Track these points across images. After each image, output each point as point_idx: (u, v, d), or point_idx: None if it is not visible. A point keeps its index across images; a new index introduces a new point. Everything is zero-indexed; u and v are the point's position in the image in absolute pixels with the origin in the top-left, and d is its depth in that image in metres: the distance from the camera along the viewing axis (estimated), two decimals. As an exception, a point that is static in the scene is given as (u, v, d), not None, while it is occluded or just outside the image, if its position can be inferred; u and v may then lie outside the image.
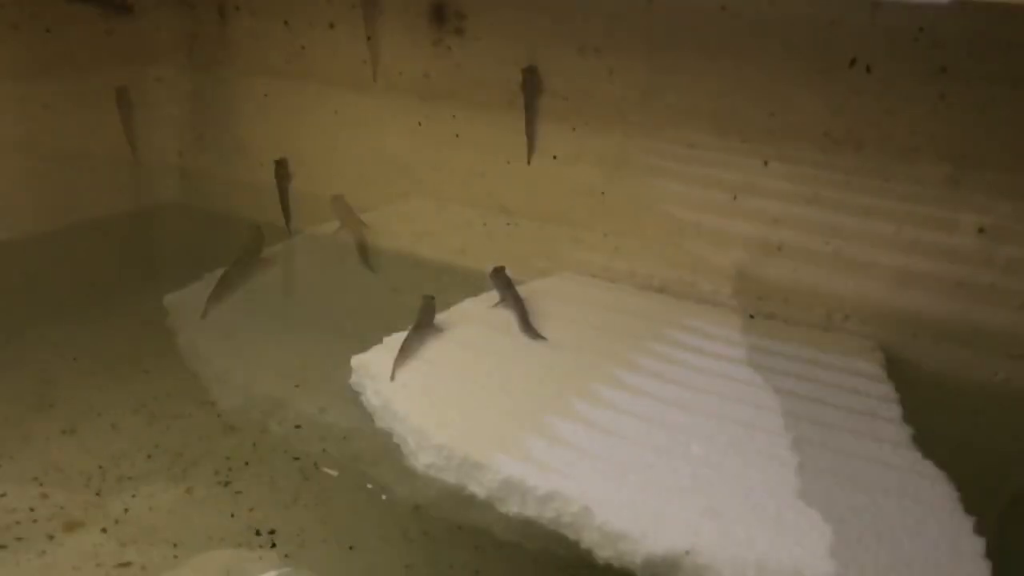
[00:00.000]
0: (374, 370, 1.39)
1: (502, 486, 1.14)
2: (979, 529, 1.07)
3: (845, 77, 1.53)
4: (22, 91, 2.04)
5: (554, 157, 1.85)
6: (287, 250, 2.28)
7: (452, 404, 1.30)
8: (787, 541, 1.04)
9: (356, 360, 1.44)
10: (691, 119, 1.69)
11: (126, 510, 1.23)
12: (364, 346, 1.47)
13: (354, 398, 1.42)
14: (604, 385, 1.37)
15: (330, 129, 2.14)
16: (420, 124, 2.00)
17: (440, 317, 1.58)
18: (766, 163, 1.64)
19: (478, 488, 1.17)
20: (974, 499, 1.13)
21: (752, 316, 1.68)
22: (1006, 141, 1.45)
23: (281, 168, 2.21)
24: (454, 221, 2.01)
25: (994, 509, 1.19)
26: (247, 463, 1.33)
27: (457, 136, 1.96)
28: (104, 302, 1.97)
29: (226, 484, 1.28)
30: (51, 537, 1.18)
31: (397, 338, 1.46)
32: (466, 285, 1.83)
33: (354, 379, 1.44)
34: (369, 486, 1.32)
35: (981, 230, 1.48)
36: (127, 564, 1.12)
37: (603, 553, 1.06)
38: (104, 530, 1.18)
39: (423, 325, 1.51)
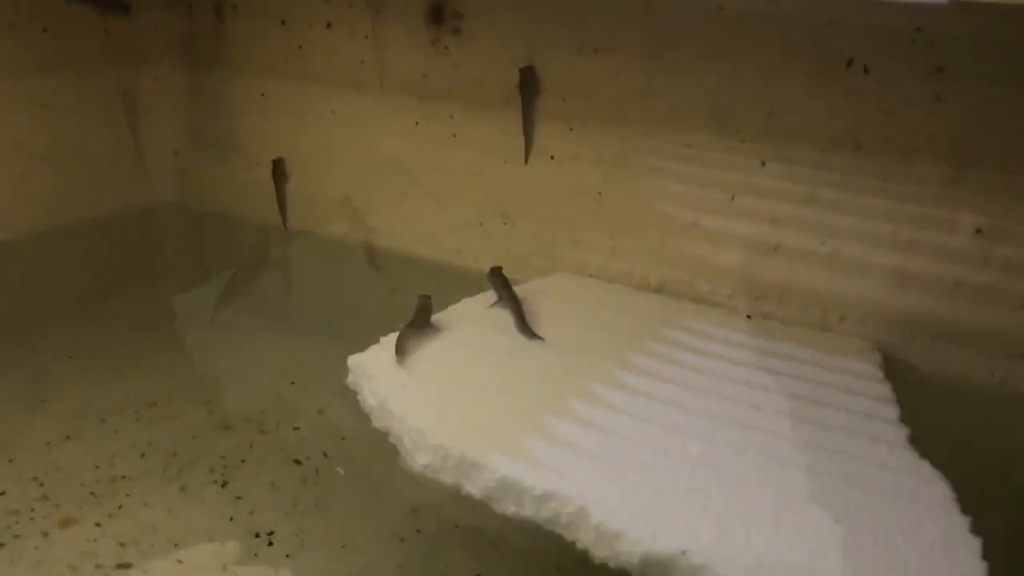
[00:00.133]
0: (371, 370, 1.39)
1: (499, 486, 1.14)
2: (976, 529, 1.07)
3: (843, 77, 1.53)
4: (19, 90, 2.04)
5: (552, 157, 1.85)
6: (291, 252, 2.28)
7: (449, 404, 1.30)
8: (784, 541, 1.03)
9: (353, 360, 1.44)
10: (689, 119, 1.69)
11: (120, 507, 1.23)
12: (362, 346, 1.48)
13: (351, 398, 1.42)
14: (601, 385, 1.36)
15: (328, 129, 2.14)
16: (418, 124, 2.00)
17: (438, 317, 1.58)
18: (764, 163, 1.64)
19: (475, 488, 1.17)
20: (971, 500, 1.13)
21: (749, 316, 1.68)
22: (1004, 141, 1.45)
23: (278, 168, 2.21)
24: (452, 221, 2.01)
25: (992, 509, 1.19)
26: (243, 461, 1.33)
27: (455, 136, 1.96)
28: (101, 301, 1.97)
29: (224, 485, 1.28)
30: (45, 533, 1.18)
31: (394, 338, 1.47)
32: (464, 285, 1.82)
33: (351, 379, 1.44)
34: (366, 486, 1.32)
35: (979, 230, 1.48)
36: (127, 565, 1.12)
37: (600, 553, 1.06)
38: (98, 524, 1.18)
39: (419, 324, 1.51)
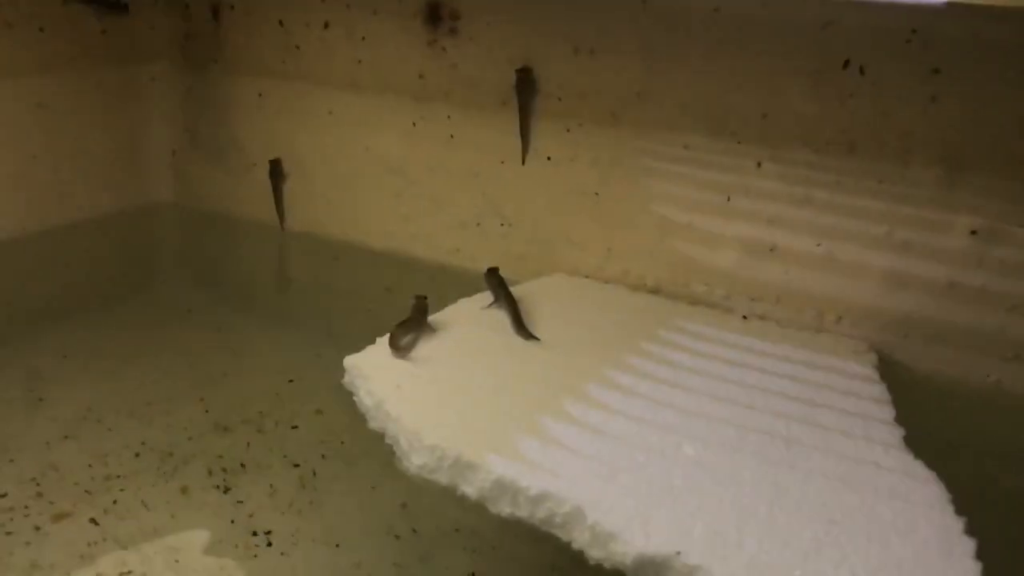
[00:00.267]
0: (367, 370, 1.39)
1: (494, 486, 1.15)
2: (970, 530, 1.07)
3: (839, 79, 1.54)
4: (15, 89, 2.04)
5: (548, 158, 1.86)
6: (288, 252, 2.28)
7: (445, 405, 1.31)
8: (778, 542, 1.04)
9: (349, 360, 1.45)
10: (685, 121, 1.69)
11: (115, 502, 1.23)
12: (359, 346, 1.48)
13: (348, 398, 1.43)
14: (597, 386, 1.37)
15: (325, 129, 2.14)
16: (415, 125, 2.00)
17: (434, 317, 1.58)
18: (759, 164, 1.64)
19: (471, 489, 1.17)
20: (966, 500, 1.13)
21: (745, 317, 1.69)
22: (999, 143, 1.45)
23: (276, 168, 2.22)
24: (448, 222, 2.01)
25: (986, 510, 1.20)
26: (243, 465, 1.33)
27: (452, 137, 1.96)
28: (98, 301, 1.97)
29: (226, 491, 1.28)
30: (38, 528, 1.18)
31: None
32: (460, 285, 1.83)
33: (347, 379, 1.44)
34: (362, 486, 1.32)
35: (973, 232, 1.49)
36: (128, 573, 1.12)
37: (595, 554, 1.06)
38: (95, 520, 1.18)
39: (414, 323, 1.51)
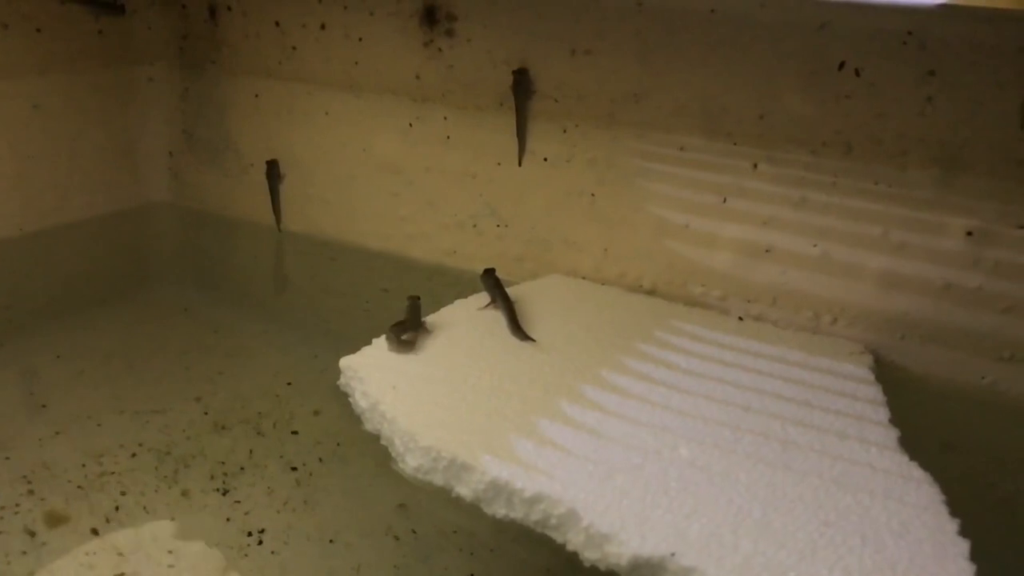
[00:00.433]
0: (362, 372, 1.39)
1: (489, 488, 1.15)
2: (964, 531, 1.07)
3: (834, 80, 1.54)
4: (12, 90, 2.04)
5: (545, 159, 1.86)
6: (285, 253, 2.28)
7: (440, 406, 1.30)
8: (773, 543, 1.04)
9: (345, 361, 1.45)
10: (681, 122, 1.69)
11: (117, 507, 1.23)
12: (355, 346, 1.48)
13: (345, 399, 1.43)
14: (592, 387, 1.37)
15: (321, 130, 2.14)
16: (411, 126, 2.00)
17: (431, 318, 1.58)
18: (755, 166, 1.64)
19: (466, 490, 1.17)
20: (960, 502, 1.13)
21: (741, 318, 1.69)
22: (994, 144, 1.45)
23: (272, 169, 2.21)
24: (445, 223, 2.01)
25: (981, 511, 1.20)
26: (242, 468, 1.33)
27: (448, 138, 1.96)
28: (95, 301, 1.97)
29: (224, 493, 1.28)
30: (32, 534, 1.18)
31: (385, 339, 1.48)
32: (457, 286, 1.83)
33: (342, 381, 1.44)
34: (358, 487, 1.32)
35: (969, 233, 1.49)
36: (121, 557, 1.12)
37: (589, 555, 1.06)
38: (95, 531, 1.18)
39: (410, 325, 1.51)
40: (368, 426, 1.35)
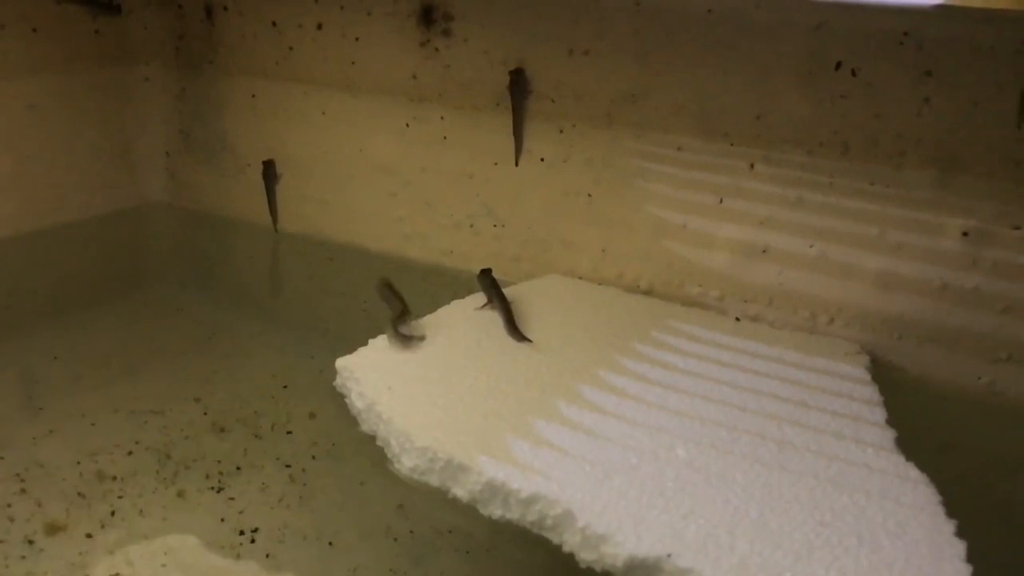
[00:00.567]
0: (358, 373, 1.39)
1: (485, 489, 1.14)
2: (961, 533, 1.07)
3: (831, 80, 1.54)
4: (8, 90, 2.03)
5: (542, 159, 1.86)
6: (281, 253, 2.28)
7: (437, 406, 1.30)
8: (769, 544, 1.04)
9: (341, 362, 1.44)
10: (678, 122, 1.69)
11: (112, 508, 1.23)
12: (352, 347, 1.48)
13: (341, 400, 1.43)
14: (589, 387, 1.37)
15: (318, 130, 2.14)
16: (408, 126, 2.00)
17: (427, 319, 1.58)
18: (752, 166, 1.64)
19: (462, 491, 1.17)
20: (956, 502, 1.13)
21: (738, 319, 1.69)
22: (991, 145, 1.45)
23: (269, 169, 2.21)
24: (442, 223, 2.01)
25: (978, 512, 1.20)
26: (238, 468, 1.33)
27: (445, 138, 1.96)
28: (91, 302, 1.96)
29: (219, 491, 1.28)
30: (31, 542, 1.18)
31: (382, 339, 1.47)
32: (454, 286, 1.83)
33: (338, 381, 1.44)
34: (354, 488, 1.32)
35: (966, 233, 1.49)
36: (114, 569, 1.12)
37: (586, 556, 1.06)
38: (89, 535, 1.18)
39: (398, 311, 1.52)
40: (364, 427, 1.34)
